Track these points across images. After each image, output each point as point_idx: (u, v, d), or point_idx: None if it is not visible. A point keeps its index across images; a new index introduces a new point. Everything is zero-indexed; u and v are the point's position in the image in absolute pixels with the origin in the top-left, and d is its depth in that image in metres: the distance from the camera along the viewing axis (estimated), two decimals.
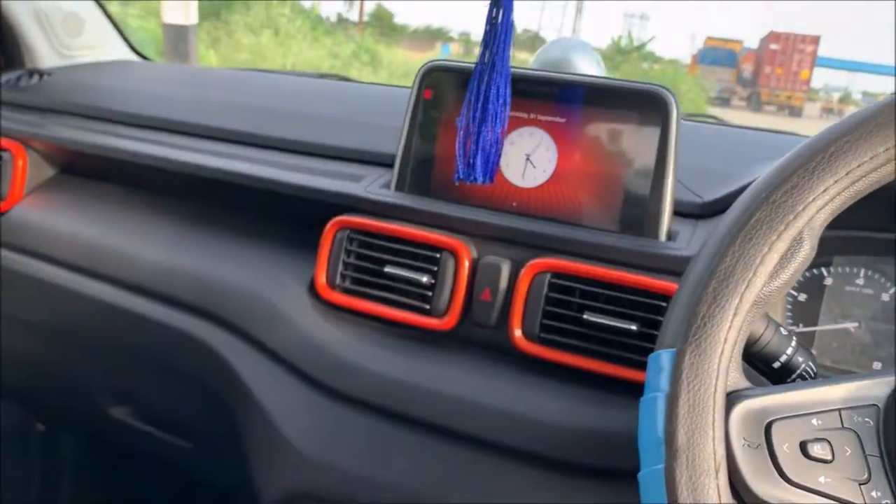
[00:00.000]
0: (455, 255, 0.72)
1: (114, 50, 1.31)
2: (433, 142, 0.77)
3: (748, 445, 0.41)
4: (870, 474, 0.41)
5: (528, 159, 0.73)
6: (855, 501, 0.40)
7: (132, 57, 1.35)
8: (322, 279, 0.77)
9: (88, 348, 1.00)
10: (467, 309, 0.72)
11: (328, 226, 0.77)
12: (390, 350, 0.73)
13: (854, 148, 0.43)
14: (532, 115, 0.73)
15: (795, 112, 25.89)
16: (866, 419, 0.43)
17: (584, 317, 0.66)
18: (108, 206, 0.99)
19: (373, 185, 0.80)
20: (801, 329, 0.71)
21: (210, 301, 0.83)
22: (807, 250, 0.44)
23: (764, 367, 0.51)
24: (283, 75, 1.35)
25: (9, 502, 1.25)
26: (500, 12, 0.60)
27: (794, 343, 0.50)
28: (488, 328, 0.71)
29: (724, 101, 26.59)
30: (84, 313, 0.94)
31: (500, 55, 0.61)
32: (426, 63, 0.78)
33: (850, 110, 0.49)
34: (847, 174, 0.43)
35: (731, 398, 0.42)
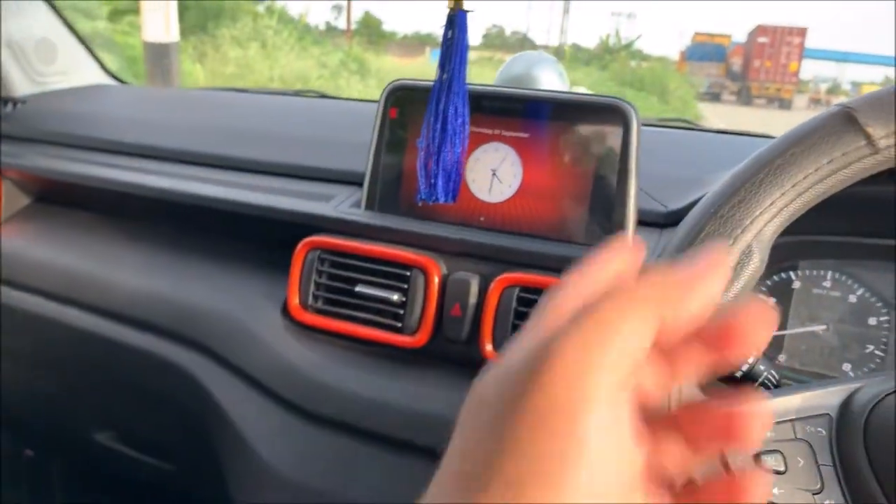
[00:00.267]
0: (424, 272, 0.72)
1: (88, 74, 1.31)
2: (401, 160, 0.78)
3: None
4: (823, 484, 0.41)
5: (494, 175, 0.74)
6: None
7: (107, 80, 1.35)
8: (294, 300, 0.77)
9: (69, 375, 1.01)
10: (438, 325, 0.73)
11: (299, 246, 0.77)
12: (364, 369, 0.73)
13: (799, 160, 0.44)
14: (496, 131, 0.74)
15: (785, 104, 25.93)
16: (819, 429, 0.43)
17: None
18: (83, 233, 1.00)
19: (342, 204, 0.80)
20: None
21: (184, 325, 0.83)
22: (756, 263, 0.44)
23: (726, 377, 0.51)
24: (259, 94, 1.35)
25: None
26: (455, 32, 0.60)
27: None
28: (460, 343, 0.72)
29: (714, 97, 26.62)
30: (62, 341, 0.94)
31: (456, 75, 0.62)
32: (390, 82, 0.78)
33: (839, 100, 0.49)
34: (793, 186, 0.44)
35: None
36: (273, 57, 7.73)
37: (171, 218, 0.96)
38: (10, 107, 1.15)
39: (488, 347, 0.69)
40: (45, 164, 1.02)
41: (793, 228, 0.45)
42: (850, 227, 0.69)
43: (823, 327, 0.71)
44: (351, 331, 0.75)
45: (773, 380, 0.55)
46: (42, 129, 1.09)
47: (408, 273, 0.73)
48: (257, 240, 0.89)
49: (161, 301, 0.86)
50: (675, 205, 0.74)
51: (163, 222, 0.97)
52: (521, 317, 0.69)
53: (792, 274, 0.72)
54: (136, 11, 5.37)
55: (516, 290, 0.69)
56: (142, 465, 1.01)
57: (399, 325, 0.73)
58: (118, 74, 1.38)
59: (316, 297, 0.77)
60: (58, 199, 1.07)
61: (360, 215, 0.78)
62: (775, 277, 0.72)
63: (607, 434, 0.22)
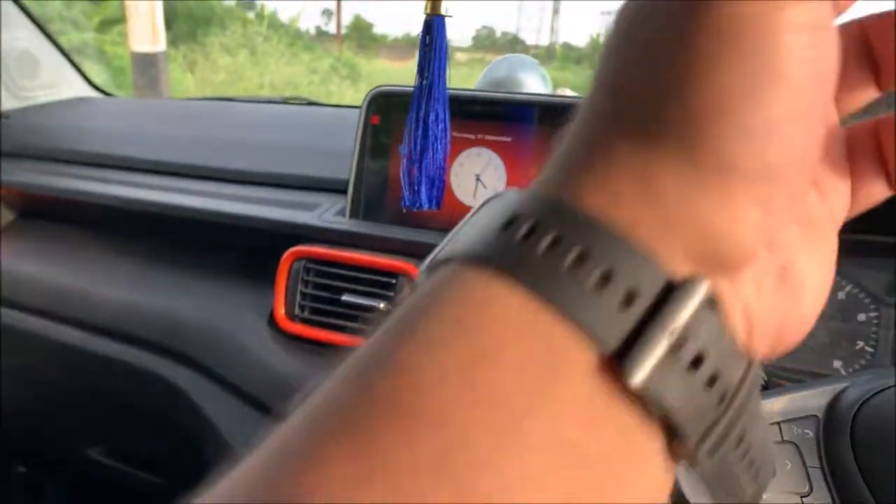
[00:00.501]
0: (411, 279, 0.72)
1: (72, 87, 1.31)
2: (385, 167, 0.77)
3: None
4: (811, 486, 0.41)
5: (478, 179, 0.73)
6: None
7: (91, 93, 1.35)
8: (281, 310, 0.77)
9: (58, 390, 1.00)
10: None
11: (284, 256, 0.77)
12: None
13: None
14: (479, 136, 0.73)
15: None
16: (806, 431, 0.43)
17: None
18: (69, 248, 0.99)
19: (327, 213, 0.80)
20: None
21: (171, 338, 0.82)
22: None
23: None
24: (246, 103, 1.34)
25: None
26: (433, 37, 0.60)
27: None
28: None
29: None
30: (50, 356, 0.93)
31: (436, 80, 0.61)
32: (372, 89, 0.78)
33: None
34: None
35: None
36: (263, 64, 7.72)
37: (157, 230, 0.95)
38: None
39: None
40: (30, 179, 1.01)
41: None
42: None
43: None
44: (338, 340, 0.74)
45: (761, 381, 0.55)
46: (26, 144, 1.08)
47: (394, 281, 0.73)
48: (243, 250, 0.89)
49: (147, 314, 0.85)
50: None
51: (148, 235, 0.97)
52: None
53: None
54: (125, 22, 5.36)
55: None
56: (133, 479, 1.01)
57: None
58: (103, 86, 1.37)
59: (302, 307, 0.77)
60: (43, 215, 1.06)
61: (345, 224, 0.77)
62: None
63: (808, 40, 0.16)
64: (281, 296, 0.77)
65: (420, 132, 0.62)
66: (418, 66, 0.61)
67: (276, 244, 0.78)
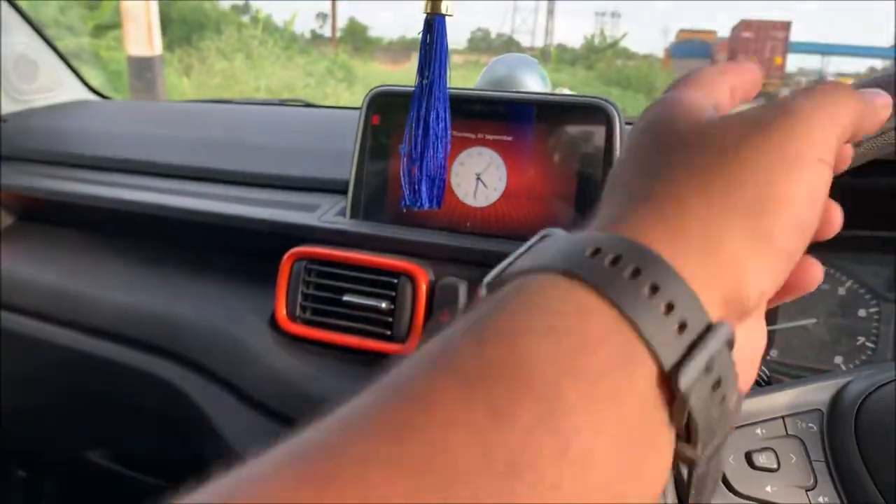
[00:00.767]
0: (412, 279, 0.72)
1: (70, 90, 1.31)
2: (385, 167, 0.77)
3: None
4: (816, 480, 0.41)
5: (478, 179, 0.73)
6: None
7: (89, 96, 1.34)
8: (282, 311, 0.77)
9: (58, 394, 1.00)
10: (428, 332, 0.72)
11: (285, 257, 0.77)
12: (353, 379, 0.72)
13: None
14: (480, 135, 0.74)
15: (770, 98, 25.99)
16: (810, 424, 0.43)
17: None
18: (69, 251, 0.99)
19: (327, 213, 0.80)
20: None
21: (172, 340, 0.82)
22: None
23: None
24: (243, 105, 1.34)
25: None
26: (434, 37, 0.60)
27: None
28: None
29: None
30: (50, 360, 0.93)
31: (436, 79, 0.61)
32: (372, 89, 0.78)
33: None
34: None
35: None
36: (259, 67, 7.72)
37: (157, 232, 0.95)
38: None
39: None
40: (28, 182, 1.01)
41: None
42: None
43: (814, 321, 0.71)
44: (340, 340, 0.74)
45: (764, 376, 0.55)
46: (24, 147, 1.08)
47: (395, 280, 0.73)
48: (243, 252, 0.89)
49: (148, 316, 0.85)
50: None
51: (148, 237, 0.97)
52: None
53: None
54: (120, 26, 5.36)
55: None
56: (134, 482, 1.01)
57: (388, 333, 0.73)
58: (100, 90, 1.37)
59: (304, 308, 0.77)
60: (42, 218, 1.06)
61: (346, 224, 0.77)
62: None
63: (816, 191, 0.24)
64: (282, 296, 0.76)
65: (421, 131, 0.63)
66: (419, 65, 0.62)
67: (277, 245, 0.78)
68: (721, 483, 0.41)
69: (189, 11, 8.43)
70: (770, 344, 0.71)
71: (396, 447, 0.17)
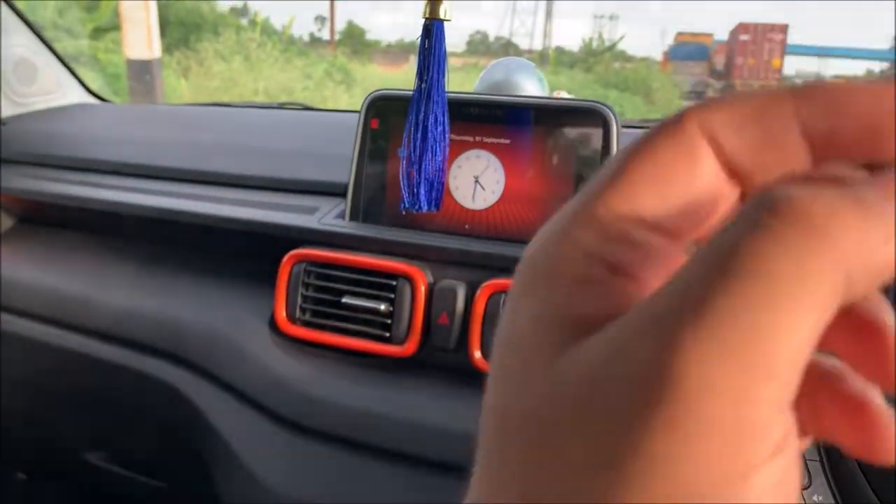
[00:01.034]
0: (411, 281, 0.72)
1: (70, 93, 1.31)
2: (384, 170, 0.78)
3: None
4: (810, 479, 0.42)
5: (476, 182, 0.74)
6: None
7: (89, 99, 1.35)
8: (281, 313, 0.77)
9: (58, 396, 1.00)
10: (427, 334, 0.72)
11: (284, 259, 0.77)
12: (353, 380, 0.73)
13: None
14: (478, 138, 0.74)
15: None
16: None
17: None
18: (69, 254, 0.99)
19: (327, 216, 0.80)
20: None
21: (171, 342, 0.83)
22: None
23: None
24: (242, 108, 1.35)
25: None
26: (432, 41, 0.61)
27: None
28: (448, 351, 0.72)
29: (698, 95, 26.70)
30: (50, 362, 0.93)
31: (435, 83, 0.62)
32: (371, 93, 0.79)
33: None
34: None
35: None
36: (257, 70, 7.73)
37: (156, 235, 0.96)
38: None
39: (477, 355, 0.69)
40: (28, 185, 1.02)
41: None
42: None
43: None
44: (339, 342, 0.75)
45: None
46: (24, 150, 1.08)
47: (394, 283, 0.73)
48: (243, 254, 0.89)
49: (148, 319, 0.85)
50: None
51: (148, 240, 0.97)
52: None
53: None
54: (118, 29, 5.36)
55: (503, 297, 0.69)
56: (135, 484, 1.01)
57: (387, 335, 0.73)
58: (100, 93, 1.38)
59: (303, 310, 0.77)
60: (42, 220, 1.06)
61: (345, 226, 0.78)
62: None
63: (776, 492, 0.13)
64: (282, 299, 0.77)
65: (419, 135, 0.63)
66: (417, 69, 0.62)
67: (276, 248, 0.79)
68: None
69: (187, 14, 8.43)
70: None
71: None
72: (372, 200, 0.78)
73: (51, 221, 1.06)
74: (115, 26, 5.87)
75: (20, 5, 1.22)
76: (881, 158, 0.15)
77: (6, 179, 1.04)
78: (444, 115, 0.63)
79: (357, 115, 0.79)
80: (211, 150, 1.00)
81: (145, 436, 0.95)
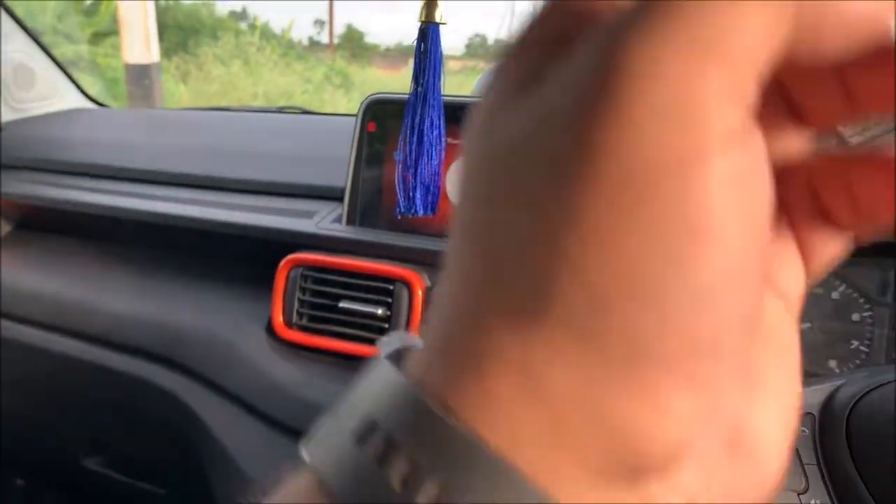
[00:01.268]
0: (408, 285, 0.72)
1: (68, 98, 1.31)
2: (381, 174, 0.78)
3: None
4: (808, 483, 0.41)
5: None
6: None
7: (86, 104, 1.35)
8: (278, 318, 0.77)
9: (56, 401, 1.00)
10: None
11: (281, 264, 0.77)
12: (350, 385, 0.73)
13: None
14: None
15: None
16: (802, 428, 0.43)
17: None
18: (66, 259, 0.99)
19: (324, 220, 0.80)
20: None
21: (169, 347, 0.82)
22: None
23: None
24: (241, 112, 1.35)
25: None
26: (428, 45, 0.60)
27: None
28: None
29: None
30: (48, 367, 0.93)
31: (431, 87, 0.62)
32: (367, 96, 0.78)
33: None
34: None
35: None
36: (256, 74, 7.72)
37: (154, 240, 0.96)
38: None
39: None
40: (26, 190, 1.02)
41: None
42: None
43: (808, 325, 0.71)
44: (336, 347, 0.75)
45: None
46: (22, 156, 1.08)
47: (391, 287, 0.73)
48: (240, 259, 0.89)
49: (145, 324, 0.85)
50: None
51: (145, 244, 0.97)
52: None
53: None
54: (117, 33, 5.36)
55: None
56: (133, 490, 1.01)
57: None
58: (97, 98, 1.38)
59: (300, 315, 0.77)
60: (39, 226, 1.06)
61: (342, 231, 0.78)
62: None
63: (739, 192, 0.13)
64: (279, 303, 0.77)
65: (415, 139, 0.63)
66: (413, 73, 0.62)
67: (273, 252, 0.79)
68: None
69: (185, 18, 8.43)
70: None
71: None
72: (369, 204, 0.78)
73: (48, 227, 1.05)
74: (114, 31, 5.86)
75: (19, 9, 1.22)
76: None
77: (4, 184, 1.04)
78: (439, 119, 0.63)
79: (354, 118, 0.79)
80: (208, 155, 1.00)
81: (143, 441, 0.95)
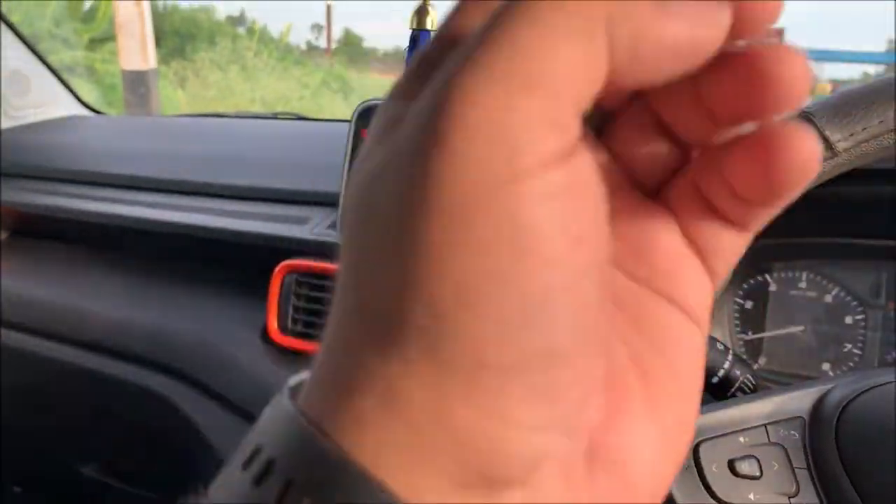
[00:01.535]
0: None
1: (63, 105, 1.31)
2: None
3: None
4: (798, 487, 0.41)
5: None
6: None
7: (82, 111, 1.35)
8: (273, 324, 0.77)
9: (52, 408, 1.00)
10: None
11: (276, 270, 0.77)
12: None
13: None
14: None
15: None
16: (792, 432, 0.43)
17: None
18: (61, 266, 0.99)
19: (318, 226, 0.81)
20: (751, 336, 0.72)
21: (164, 353, 0.83)
22: None
23: (704, 384, 0.51)
24: (236, 119, 1.35)
25: None
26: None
27: (730, 357, 0.51)
28: None
29: None
30: (43, 374, 0.93)
31: None
32: (361, 103, 0.79)
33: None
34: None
35: None
36: (254, 79, 7.73)
37: (149, 247, 0.96)
38: None
39: None
40: (21, 197, 1.02)
41: (764, 231, 0.46)
42: (821, 228, 0.70)
43: (801, 328, 0.71)
44: None
45: (749, 384, 0.55)
46: (17, 163, 1.08)
47: None
48: (235, 265, 0.89)
49: (140, 330, 0.85)
50: None
51: (140, 251, 0.97)
52: None
53: (767, 276, 0.72)
54: (115, 39, 5.37)
55: None
56: (129, 496, 1.00)
57: None
58: (94, 104, 1.38)
59: (295, 321, 0.77)
60: (35, 233, 1.06)
61: (336, 237, 0.78)
62: (751, 281, 0.73)
63: (560, 209, 0.14)
64: (273, 309, 0.77)
65: None
66: None
67: (268, 258, 0.79)
68: (704, 490, 0.41)
69: (182, 23, 8.44)
70: (757, 352, 0.71)
71: None
72: None
73: (43, 234, 1.06)
74: (111, 37, 5.87)
75: (15, 14, 1.22)
76: None
77: (1, 193, 1.04)
78: None
79: (349, 124, 0.79)
80: (204, 162, 1.01)
81: (139, 447, 0.95)
